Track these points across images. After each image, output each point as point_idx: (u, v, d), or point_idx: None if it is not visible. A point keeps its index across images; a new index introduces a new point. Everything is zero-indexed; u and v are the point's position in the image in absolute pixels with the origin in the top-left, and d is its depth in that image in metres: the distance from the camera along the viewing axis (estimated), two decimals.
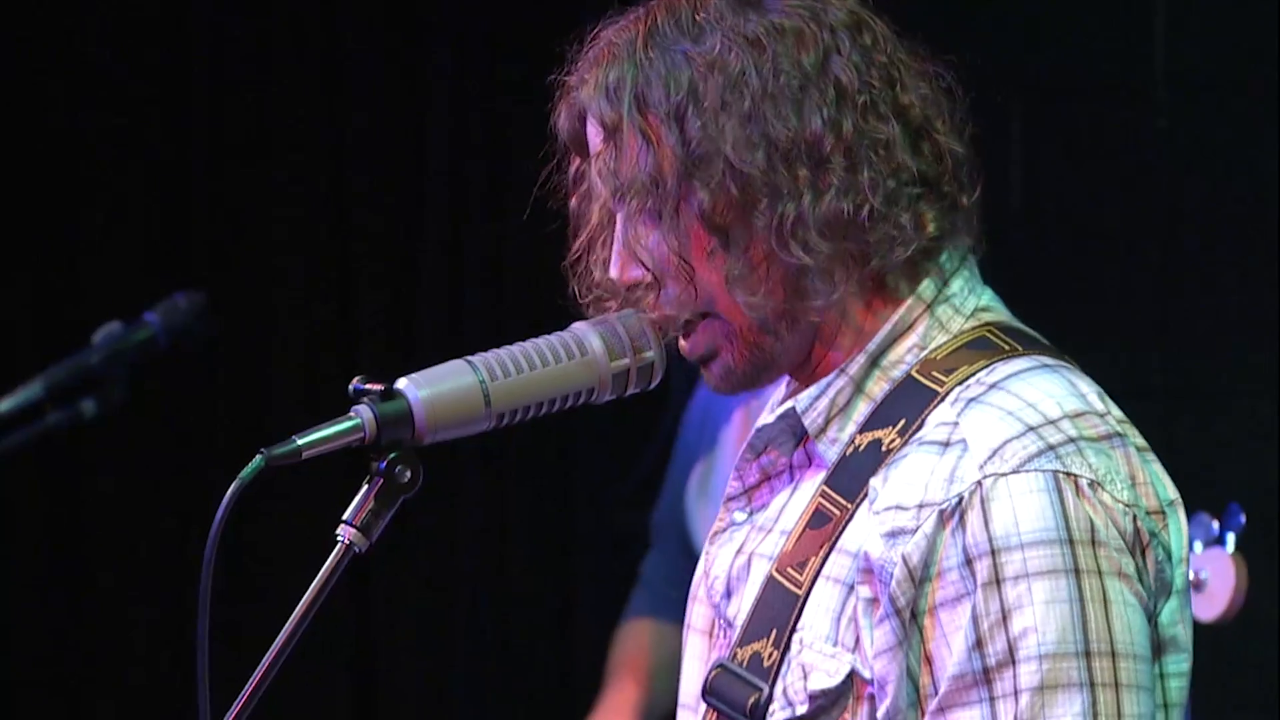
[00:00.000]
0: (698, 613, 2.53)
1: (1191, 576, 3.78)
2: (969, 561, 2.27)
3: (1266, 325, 4.92)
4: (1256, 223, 4.93)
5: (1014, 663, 2.25)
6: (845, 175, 2.35)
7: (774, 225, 2.35)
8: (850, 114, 2.36)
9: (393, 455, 2.35)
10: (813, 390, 2.42)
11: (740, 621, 2.41)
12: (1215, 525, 3.83)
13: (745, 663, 2.38)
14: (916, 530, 2.29)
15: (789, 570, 2.37)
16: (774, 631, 2.36)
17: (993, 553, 2.26)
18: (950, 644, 2.27)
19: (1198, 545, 3.84)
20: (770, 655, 2.36)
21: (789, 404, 2.44)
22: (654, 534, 4.60)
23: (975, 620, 2.26)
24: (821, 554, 2.35)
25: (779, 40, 2.37)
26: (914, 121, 2.40)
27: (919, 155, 2.39)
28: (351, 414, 2.35)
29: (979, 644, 2.26)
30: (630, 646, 4.58)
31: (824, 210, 2.34)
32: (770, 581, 2.39)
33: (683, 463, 4.55)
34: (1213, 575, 3.83)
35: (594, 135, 2.44)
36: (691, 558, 4.47)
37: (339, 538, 2.34)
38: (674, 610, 4.52)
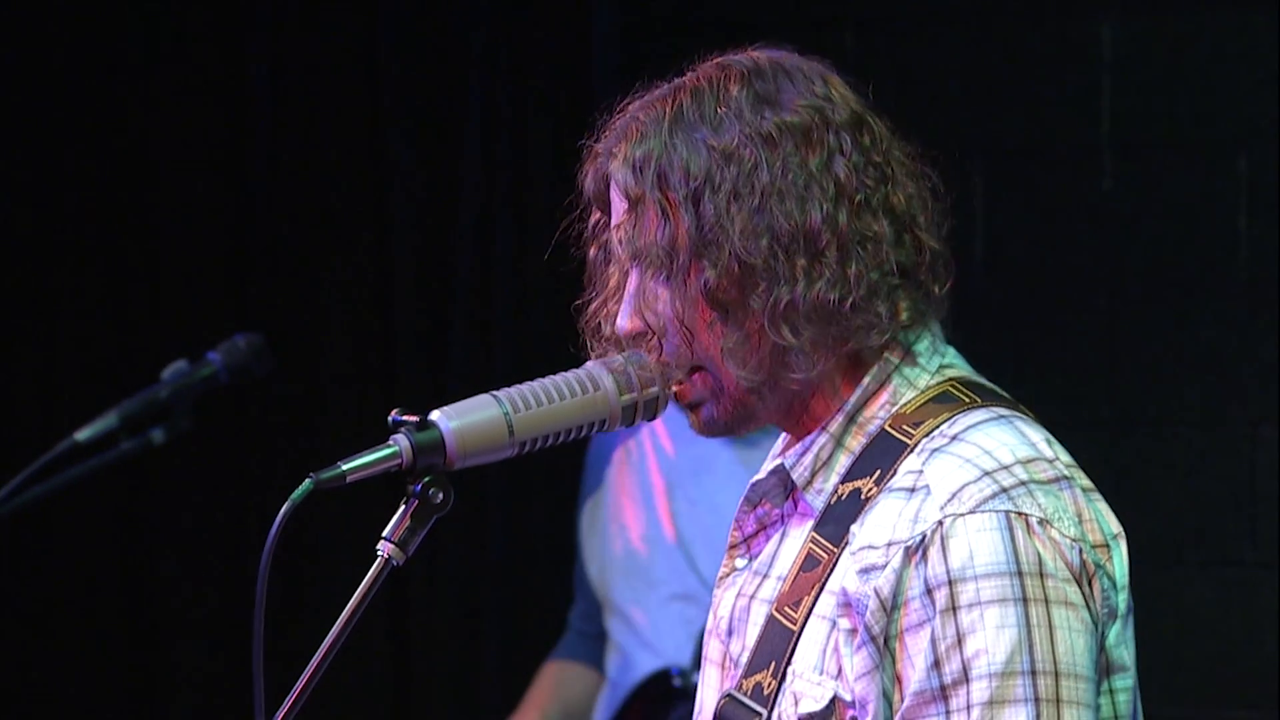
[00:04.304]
0: (713, 647, 2.51)
1: None
2: (929, 591, 2.26)
3: (1202, 362, 4.91)
4: (1191, 271, 4.93)
5: (968, 681, 2.24)
6: (836, 268, 2.33)
7: (768, 307, 2.33)
8: (846, 210, 2.34)
9: (427, 479, 2.34)
10: (798, 448, 2.42)
11: (745, 657, 2.41)
12: None
13: (749, 692, 2.38)
14: (886, 566, 2.29)
15: (786, 609, 2.37)
16: (773, 663, 2.36)
17: (950, 583, 2.26)
18: (914, 664, 2.27)
19: None
20: (769, 685, 2.36)
21: (778, 460, 2.44)
22: (575, 585, 4.61)
23: (934, 643, 2.26)
24: (813, 594, 2.35)
25: (790, 138, 2.35)
26: (900, 218, 2.37)
27: (900, 247, 2.36)
28: (390, 442, 2.34)
29: (937, 664, 2.26)
30: (542, 683, 4.63)
31: (813, 297, 2.33)
32: (770, 620, 2.38)
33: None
34: None
35: (617, 201, 2.43)
36: (595, 599, 4.51)
37: (379, 553, 2.33)
38: (590, 653, 4.58)
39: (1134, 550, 2.36)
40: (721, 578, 2.52)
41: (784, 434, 2.48)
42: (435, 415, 2.37)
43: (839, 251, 2.33)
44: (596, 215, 2.48)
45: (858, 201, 2.34)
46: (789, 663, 2.35)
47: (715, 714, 2.41)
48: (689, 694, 4.27)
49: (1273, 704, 4.77)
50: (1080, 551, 2.29)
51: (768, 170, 2.34)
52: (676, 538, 4.34)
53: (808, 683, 2.33)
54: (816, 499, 2.40)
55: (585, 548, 4.52)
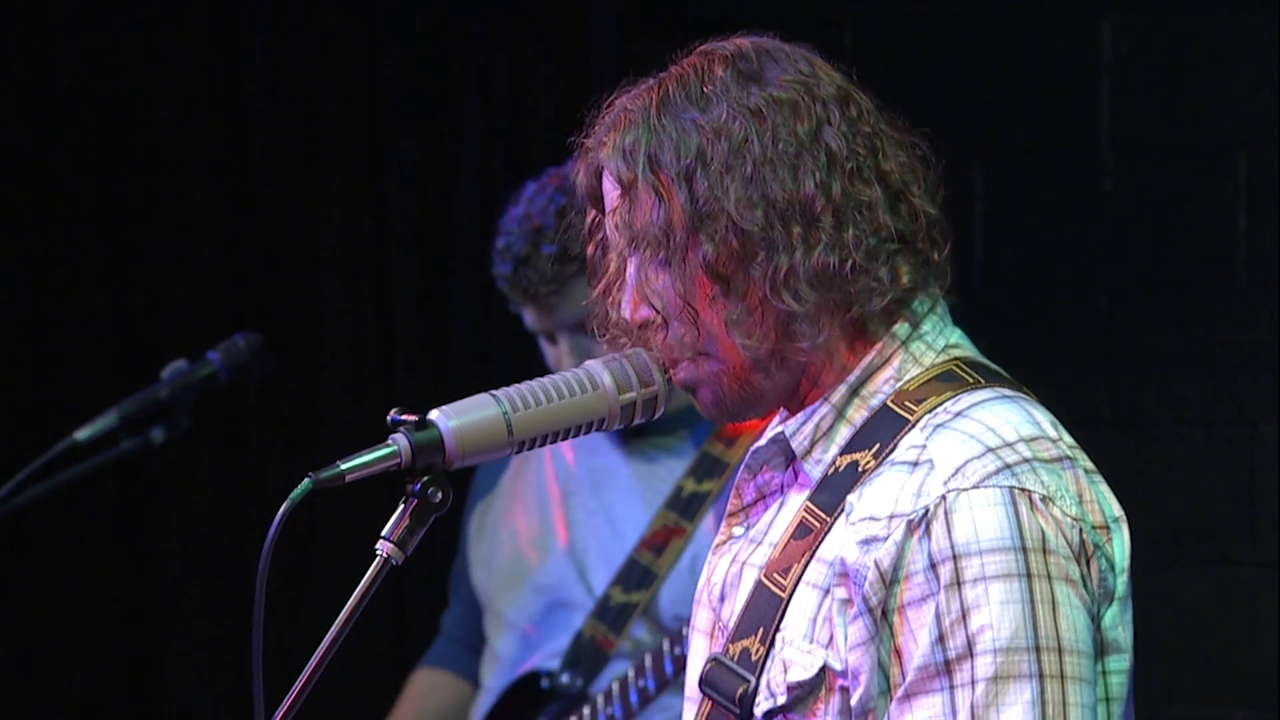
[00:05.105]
0: (700, 615, 2.51)
1: None
2: (933, 566, 2.27)
3: (1202, 362, 4.92)
4: (1191, 271, 4.94)
5: (972, 656, 2.25)
6: (833, 233, 2.35)
7: (769, 275, 2.34)
8: (839, 178, 2.35)
9: (426, 478, 2.35)
10: (800, 416, 2.42)
11: (732, 622, 2.41)
12: None
13: (736, 657, 2.38)
14: (887, 538, 2.29)
15: (775, 575, 2.37)
16: (761, 630, 2.36)
17: (954, 558, 2.26)
18: (916, 638, 2.27)
19: None
20: (757, 651, 2.36)
21: (779, 429, 2.44)
22: (450, 588, 4.56)
23: (938, 617, 2.26)
24: (803, 561, 2.35)
25: (777, 111, 2.36)
26: (893, 185, 2.39)
27: (897, 215, 2.38)
28: (389, 442, 2.35)
29: (941, 639, 2.26)
30: (412, 691, 4.59)
31: (813, 263, 2.34)
32: (758, 585, 2.39)
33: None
34: None
35: (610, 191, 2.43)
36: (478, 609, 4.46)
37: (378, 552, 2.34)
38: (461, 662, 4.48)
39: (1133, 550, 2.36)
40: (717, 545, 2.52)
41: (782, 409, 2.47)
42: (434, 414, 2.37)
43: (834, 217, 2.35)
44: (592, 214, 2.49)
45: (849, 169, 2.36)
46: (778, 630, 2.35)
47: (701, 678, 2.41)
48: (556, 696, 4.26)
49: (1273, 704, 4.78)
50: (1080, 531, 2.30)
51: (759, 141, 2.35)
52: (569, 546, 4.28)
53: (797, 650, 2.33)
54: (815, 469, 2.40)
55: (472, 552, 4.46)
